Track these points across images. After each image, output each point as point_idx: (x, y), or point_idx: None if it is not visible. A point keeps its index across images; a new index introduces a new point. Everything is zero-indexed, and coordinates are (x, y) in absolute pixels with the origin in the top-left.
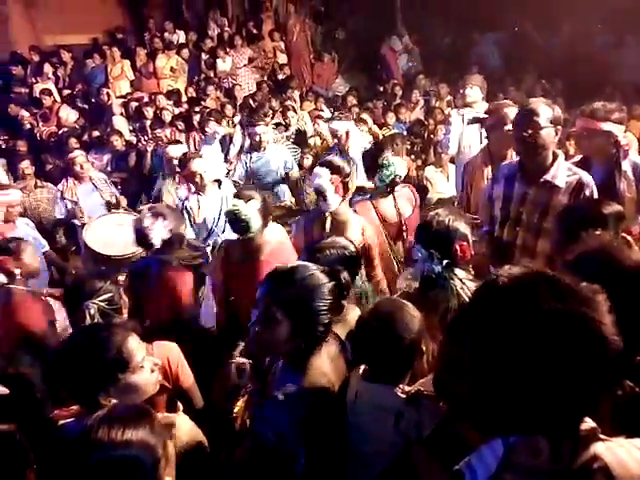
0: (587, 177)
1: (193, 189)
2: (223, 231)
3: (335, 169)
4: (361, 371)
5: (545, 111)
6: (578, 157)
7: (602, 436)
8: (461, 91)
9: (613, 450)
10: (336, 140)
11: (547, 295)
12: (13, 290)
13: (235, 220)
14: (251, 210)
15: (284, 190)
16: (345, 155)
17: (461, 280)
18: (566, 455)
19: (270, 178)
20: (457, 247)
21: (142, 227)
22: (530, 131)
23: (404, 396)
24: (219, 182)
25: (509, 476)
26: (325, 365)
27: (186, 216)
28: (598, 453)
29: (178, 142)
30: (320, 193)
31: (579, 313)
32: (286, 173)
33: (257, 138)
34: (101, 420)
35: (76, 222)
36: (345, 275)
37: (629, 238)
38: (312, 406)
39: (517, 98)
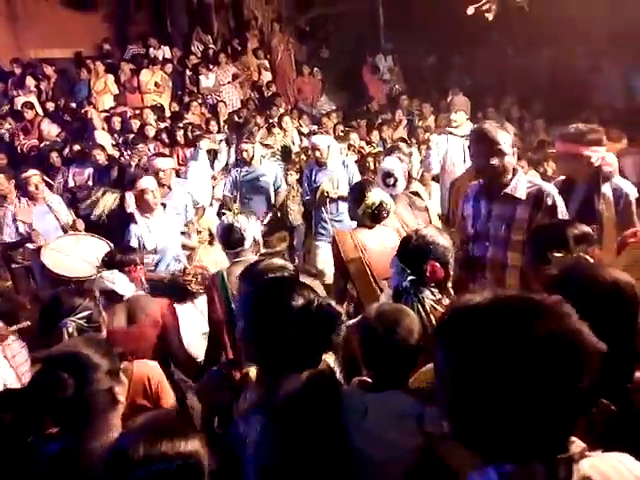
0: (548, 187)
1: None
2: (173, 257)
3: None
4: (359, 385)
5: (505, 137)
6: (561, 177)
7: (587, 453)
8: (447, 115)
9: (598, 467)
10: (317, 154)
11: (528, 315)
12: None
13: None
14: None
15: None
16: (325, 169)
17: (422, 298)
18: (561, 478)
19: (258, 192)
20: (428, 266)
21: (236, 227)
22: (496, 161)
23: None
24: (164, 205)
25: None
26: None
27: (135, 244)
28: (587, 473)
29: (164, 154)
30: (390, 176)
31: (565, 328)
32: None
33: (244, 154)
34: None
35: (30, 246)
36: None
37: (589, 259)
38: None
39: (496, 119)
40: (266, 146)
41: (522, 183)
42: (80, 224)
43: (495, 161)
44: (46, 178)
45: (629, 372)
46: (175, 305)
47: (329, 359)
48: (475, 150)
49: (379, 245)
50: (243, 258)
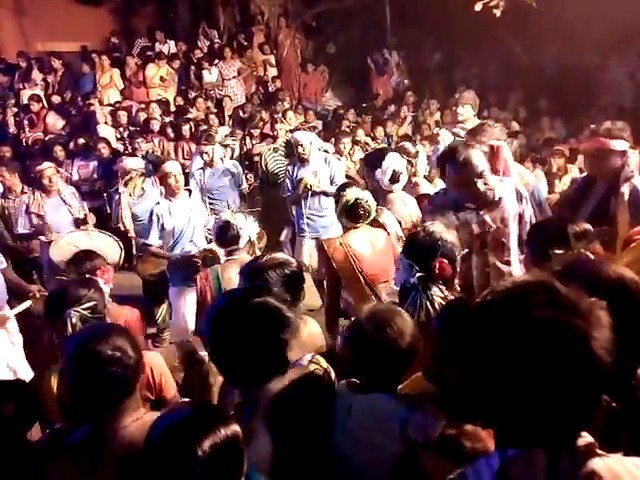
0: (517, 183)
1: (164, 194)
2: (190, 240)
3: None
4: (348, 386)
5: (483, 161)
6: (568, 176)
7: (600, 452)
8: (453, 109)
9: (610, 466)
10: (300, 149)
11: (541, 303)
12: None
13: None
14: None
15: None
16: (307, 165)
17: (431, 295)
18: (564, 470)
19: (223, 193)
20: (437, 263)
21: (232, 225)
22: (482, 185)
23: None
24: (189, 191)
25: None
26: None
27: (155, 221)
28: (596, 469)
29: (134, 155)
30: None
31: (570, 324)
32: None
33: (205, 157)
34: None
35: (42, 238)
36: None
37: (590, 255)
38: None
39: (501, 116)
40: (225, 147)
41: (498, 185)
42: (91, 218)
43: (484, 187)
44: (61, 170)
45: (633, 369)
46: (188, 288)
47: (318, 370)
48: (456, 179)
49: (370, 249)
50: (237, 257)
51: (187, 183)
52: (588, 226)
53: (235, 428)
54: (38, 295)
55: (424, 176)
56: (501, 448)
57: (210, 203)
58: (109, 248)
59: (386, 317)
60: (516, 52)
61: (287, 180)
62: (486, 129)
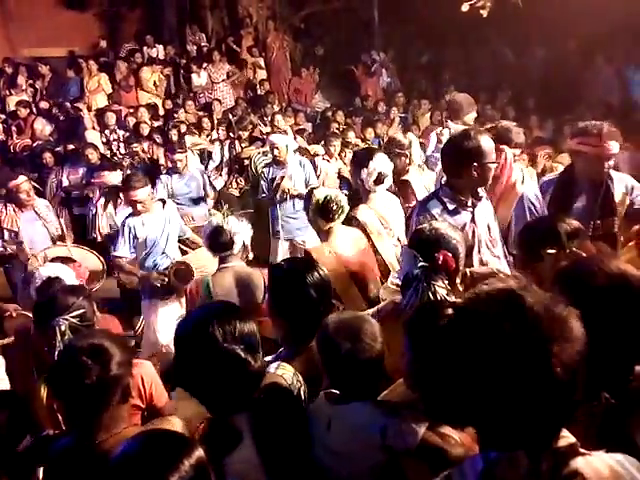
0: None
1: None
2: (163, 252)
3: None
4: (325, 398)
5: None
6: (552, 174)
7: (582, 450)
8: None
9: (593, 465)
10: (275, 152)
11: (502, 315)
12: None
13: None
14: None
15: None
16: (283, 167)
17: (433, 285)
18: (546, 469)
19: (189, 199)
20: (440, 255)
21: (225, 229)
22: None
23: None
24: (163, 202)
25: None
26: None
27: (127, 232)
28: (579, 468)
29: (114, 169)
30: (382, 176)
31: (527, 338)
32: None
33: (178, 164)
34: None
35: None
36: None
37: (582, 254)
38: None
39: (492, 116)
40: (255, 142)
41: None
42: (69, 236)
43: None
44: (33, 183)
45: (631, 365)
46: (160, 302)
47: (286, 374)
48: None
49: (354, 250)
50: (230, 264)
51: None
52: (578, 223)
53: (199, 454)
54: (15, 314)
55: (418, 165)
56: (484, 450)
57: (179, 209)
58: (90, 263)
59: (356, 326)
60: (504, 52)
61: (262, 182)
62: (512, 131)
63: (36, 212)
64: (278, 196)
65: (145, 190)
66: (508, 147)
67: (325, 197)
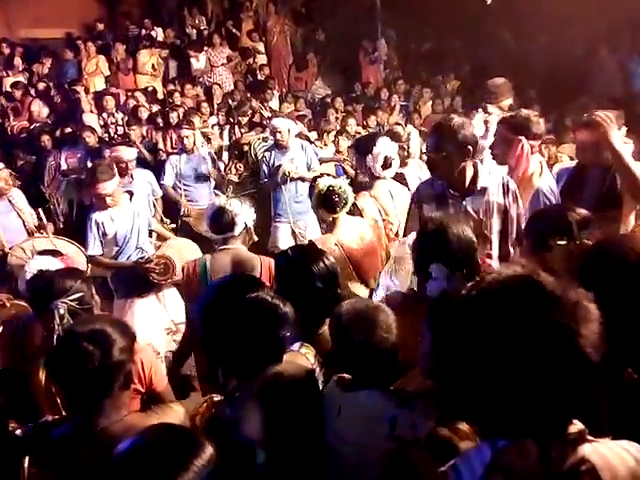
0: (505, 176)
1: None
2: (137, 247)
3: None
4: (336, 385)
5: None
6: (560, 165)
7: (589, 437)
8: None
9: (600, 451)
10: (278, 136)
11: (527, 301)
12: None
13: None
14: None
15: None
16: (284, 151)
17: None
18: (555, 457)
19: (200, 180)
20: (480, 259)
21: (228, 210)
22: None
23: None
24: (130, 194)
25: (497, 478)
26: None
27: (94, 229)
28: (586, 455)
29: (130, 145)
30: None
31: (557, 322)
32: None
33: (184, 141)
34: None
35: None
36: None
37: (590, 244)
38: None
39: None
40: (255, 128)
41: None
42: (49, 226)
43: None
44: (64, 154)
45: None
46: (137, 299)
47: (309, 355)
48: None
49: (360, 243)
50: (230, 246)
51: (158, 170)
52: (587, 213)
53: (210, 451)
54: (8, 304)
55: (419, 157)
56: (491, 439)
57: (185, 190)
58: (72, 254)
59: (371, 317)
60: (506, 41)
61: (264, 166)
62: (532, 121)
63: (10, 202)
64: (279, 179)
65: (113, 182)
66: (526, 138)
67: (328, 187)
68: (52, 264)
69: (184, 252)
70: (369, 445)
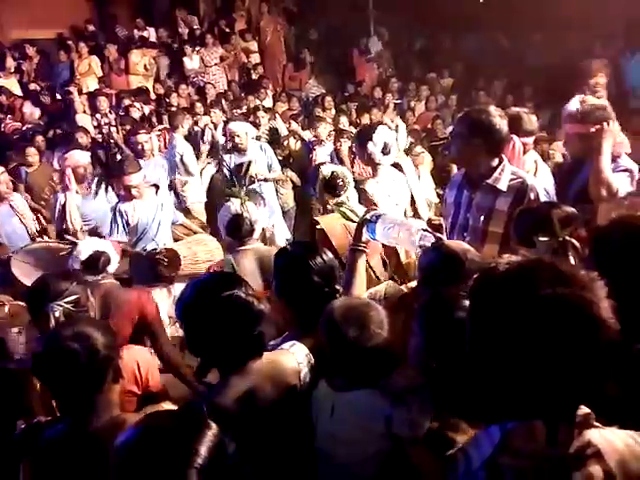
0: (532, 180)
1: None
2: (153, 239)
3: None
4: (328, 385)
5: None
6: (551, 161)
7: (596, 423)
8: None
9: (606, 437)
10: (237, 140)
11: (545, 280)
12: None
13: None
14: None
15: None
16: (244, 154)
17: None
18: (562, 440)
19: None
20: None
21: (246, 218)
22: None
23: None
24: (157, 188)
25: (505, 459)
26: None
27: (119, 218)
28: (592, 439)
29: (148, 132)
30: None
31: (577, 296)
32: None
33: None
34: None
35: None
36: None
37: (575, 242)
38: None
39: (487, 102)
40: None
41: (506, 174)
42: (51, 231)
43: None
44: (57, 155)
45: None
46: (150, 288)
47: (298, 352)
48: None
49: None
50: (251, 246)
51: None
52: (573, 210)
53: (214, 428)
54: (8, 306)
55: (404, 150)
56: (501, 422)
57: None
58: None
59: (363, 313)
60: (499, 38)
61: (225, 170)
62: (523, 118)
63: (12, 207)
64: (247, 181)
65: (139, 175)
66: (517, 136)
67: (332, 173)
68: (103, 245)
69: (210, 246)
70: (364, 445)
